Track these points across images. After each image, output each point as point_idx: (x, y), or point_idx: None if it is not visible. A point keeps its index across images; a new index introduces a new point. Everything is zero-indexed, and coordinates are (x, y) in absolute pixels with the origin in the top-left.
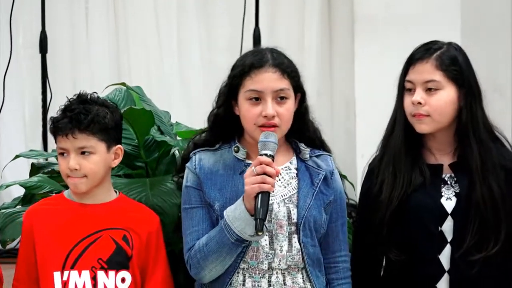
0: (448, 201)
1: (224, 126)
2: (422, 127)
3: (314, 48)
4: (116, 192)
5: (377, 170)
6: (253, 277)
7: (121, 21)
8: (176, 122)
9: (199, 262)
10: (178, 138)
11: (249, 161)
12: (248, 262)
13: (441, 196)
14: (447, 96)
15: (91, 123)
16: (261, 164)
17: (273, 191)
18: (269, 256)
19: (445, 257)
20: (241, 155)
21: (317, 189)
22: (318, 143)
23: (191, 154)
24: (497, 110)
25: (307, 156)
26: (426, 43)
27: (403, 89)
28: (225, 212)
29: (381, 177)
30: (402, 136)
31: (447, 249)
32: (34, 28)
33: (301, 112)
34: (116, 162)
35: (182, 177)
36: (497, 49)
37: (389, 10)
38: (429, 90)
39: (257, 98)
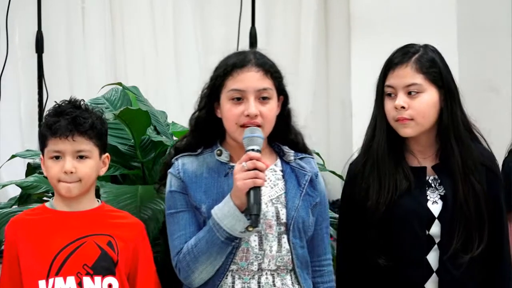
0: (435, 205)
1: (206, 129)
2: (406, 131)
3: (310, 49)
4: (98, 201)
5: (360, 175)
6: (242, 278)
7: (117, 21)
8: (173, 122)
9: (189, 264)
10: (175, 138)
11: (233, 164)
12: (238, 263)
13: (427, 200)
14: (429, 98)
15: (91, 127)
16: (251, 159)
17: (264, 186)
18: (258, 256)
19: (432, 258)
20: (224, 158)
21: (304, 191)
22: (301, 147)
23: (173, 160)
24: (493, 109)
25: (292, 158)
26: (402, 47)
27: (382, 94)
28: (212, 211)
29: (365, 183)
30: (384, 140)
31: (435, 249)
32: (30, 28)
33: (284, 116)
34: (104, 170)
35: (165, 184)
36: (493, 49)
37: (385, 10)
38: (410, 94)
39: (239, 98)
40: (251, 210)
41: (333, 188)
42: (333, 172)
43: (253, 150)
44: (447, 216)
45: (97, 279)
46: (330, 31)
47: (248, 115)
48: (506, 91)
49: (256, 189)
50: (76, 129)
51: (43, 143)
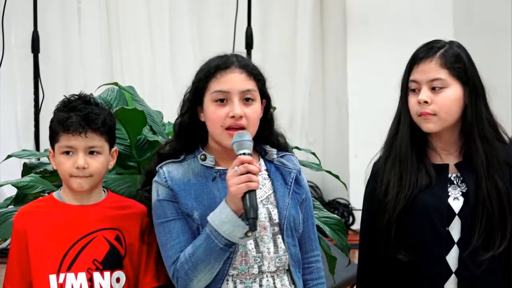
0: (456, 201)
1: (190, 133)
2: (429, 126)
3: (306, 48)
4: (104, 191)
5: (382, 171)
6: (244, 282)
7: (113, 21)
8: (169, 122)
9: (187, 273)
10: (170, 138)
11: (219, 168)
12: (238, 268)
13: (448, 196)
14: (453, 94)
15: (103, 123)
16: (242, 163)
17: (259, 189)
18: (257, 259)
19: (452, 258)
20: (209, 162)
21: (291, 188)
22: (282, 148)
23: (157, 168)
24: (492, 109)
25: (275, 156)
26: (428, 42)
27: (406, 89)
28: (209, 218)
29: (386, 178)
30: (407, 137)
31: (454, 249)
32: (26, 28)
33: (267, 119)
34: (112, 163)
35: (148, 191)
36: (491, 48)
37: (382, 10)
38: (434, 89)
39: (224, 100)
40: (248, 214)
41: (329, 187)
42: (329, 172)
43: (244, 154)
44: (468, 213)
45: (107, 274)
46: (326, 30)
47: (233, 116)
48: (505, 91)
49: (251, 192)
50: (88, 125)
51: (54, 138)
